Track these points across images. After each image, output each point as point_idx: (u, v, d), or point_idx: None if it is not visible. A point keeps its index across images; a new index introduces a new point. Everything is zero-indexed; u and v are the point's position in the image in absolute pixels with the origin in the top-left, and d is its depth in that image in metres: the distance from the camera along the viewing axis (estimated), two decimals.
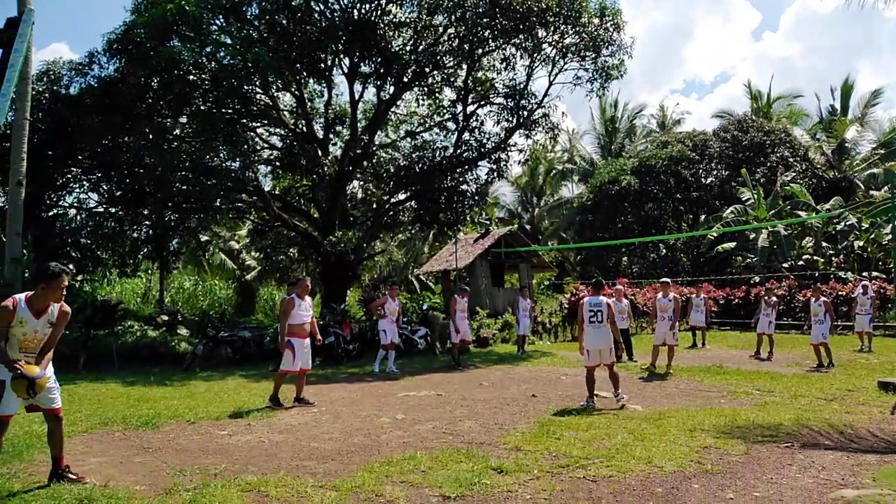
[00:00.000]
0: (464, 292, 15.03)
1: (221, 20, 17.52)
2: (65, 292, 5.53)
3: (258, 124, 20.37)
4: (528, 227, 43.91)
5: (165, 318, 18.41)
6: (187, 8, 15.34)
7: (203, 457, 6.52)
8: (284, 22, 17.70)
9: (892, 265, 17.72)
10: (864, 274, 23.38)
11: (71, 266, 5.03)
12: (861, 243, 25.00)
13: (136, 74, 15.70)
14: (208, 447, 6.96)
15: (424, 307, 19.98)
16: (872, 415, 8.33)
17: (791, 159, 33.94)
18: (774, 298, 16.43)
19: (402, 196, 21.36)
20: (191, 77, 17.03)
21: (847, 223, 25.97)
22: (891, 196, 14.48)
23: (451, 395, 10.36)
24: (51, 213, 18.78)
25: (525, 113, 19.80)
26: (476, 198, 21.10)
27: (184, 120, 18.55)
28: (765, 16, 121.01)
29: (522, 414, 8.64)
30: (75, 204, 19.60)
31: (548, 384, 11.51)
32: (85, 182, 19.07)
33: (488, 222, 33.96)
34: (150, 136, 16.71)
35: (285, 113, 20.69)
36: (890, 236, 20.32)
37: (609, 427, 7.62)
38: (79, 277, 18.12)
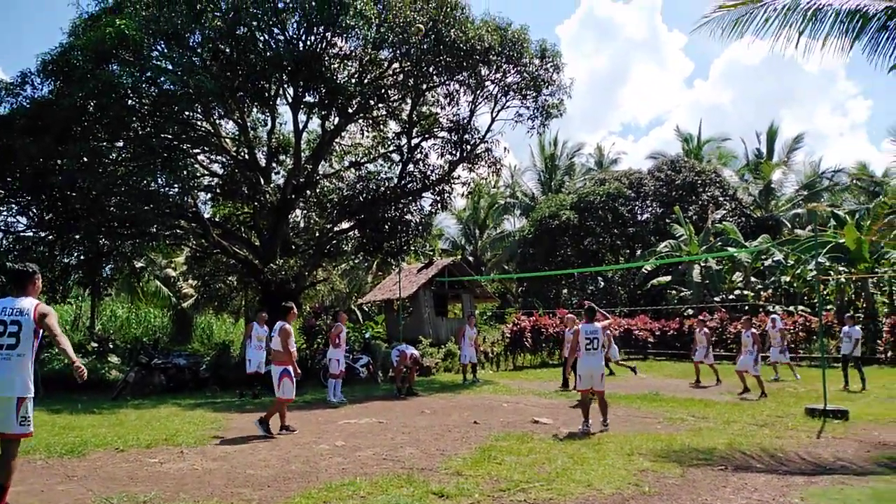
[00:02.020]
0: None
1: (163, 46, 17.26)
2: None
3: (199, 150, 20.01)
4: (471, 258, 44.29)
5: (96, 345, 17.66)
6: (127, 32, 15.06)
7: (132, 484, 6.27)
8: (228, 50, 17.55)
9: (815, 299, 18.56)
10: (790, 308, 24.40)
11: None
12: (787, 278, 26.15)
13: (72, 96, 15.28)
14: (138, 475, 6.69)
15: (367, 336, 19.80)
16: (800, 439, 8.67)
17: (721, 198, 35.45)
18: (706, 329, 17.04)
19: (345, 225, 21.27)
20: (129, 101, 16.68)
21: (774, 259, 27.17)
22: (813, 235, 15.24)
23: (392, 423, 10.27)
24: None
25: (468, 147, 20.12)
26: (420, 228, 21.19)
27: (121, 144, 18.07)
28: (696, 64, 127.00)
29: (464, 440, 8.63)
30: (2, 227, 18.76)
31: (490, 411, 11.54)
32: (13, 205, 18.30)
33: (432, 253, 34.14)
34: (85, 160, 16.21)
35: (227, 140, 20.42)
36: (814, 272, 21.33)
37: (549, 452, 7.69)
38: None
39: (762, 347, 14.91)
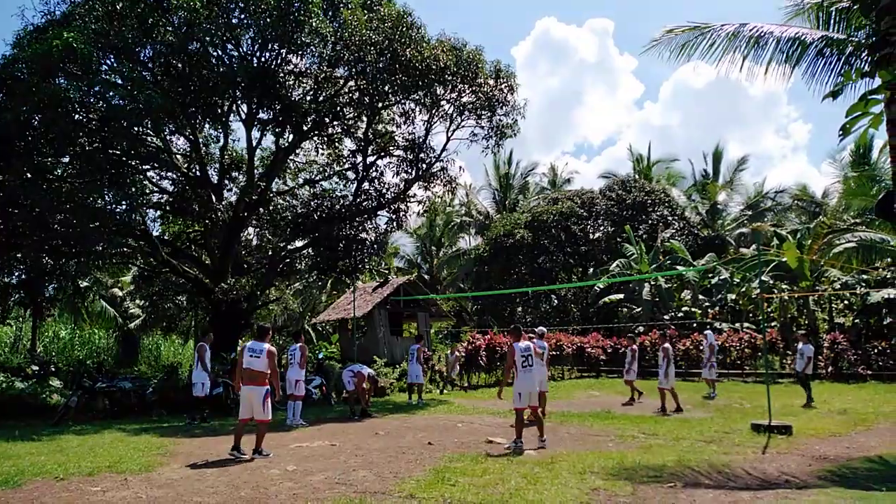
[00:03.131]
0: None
1: (112, 60, 16.91)
2: None
3: (148, 167, 19.60)
4: (426, 276, 44.21)
5: (36, 368, 16.96)
6: (75, 46, 14.69)
7: None
8: (180, 65, 17.30)
9: (760, 316, 19.12)
10: (735, 325, 25.08)
11: None
12: (733, 296, 26.88)
13: (16, 110, 14.81)
14: None
15: (320, 356, 19.53)
16: (746, 455, 8.89)
17: (670, 218, 36.31)
18: (634, 347, 17.27)
19: (299, 243, 21.06)
20: (76, 116, 16.25)
21: (720, 277, 27.90)
22: (757, 253, 15.72)
23: (345, 445, 10.13)
24: None
25: (424, 166, 20.19)
26: (375, 247, 21.12)
27: (66, 159, 17.56)
28: (646, 87, 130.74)
29: (418, 462, 8.57)
30: None
31: (444, 432, 11.49)
32: None
33: (387, 272, 34.03)
34: (28, 175, 15.71)
35: (178, 156, 20.06)
36: (758, 290, 21.99)
37: (503, 472, 7.69)
38: None
39: (672, 363, 15.19)
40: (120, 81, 16.65)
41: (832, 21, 10.09)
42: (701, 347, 18.59)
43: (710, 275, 28.56)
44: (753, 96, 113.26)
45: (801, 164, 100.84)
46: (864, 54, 9.50)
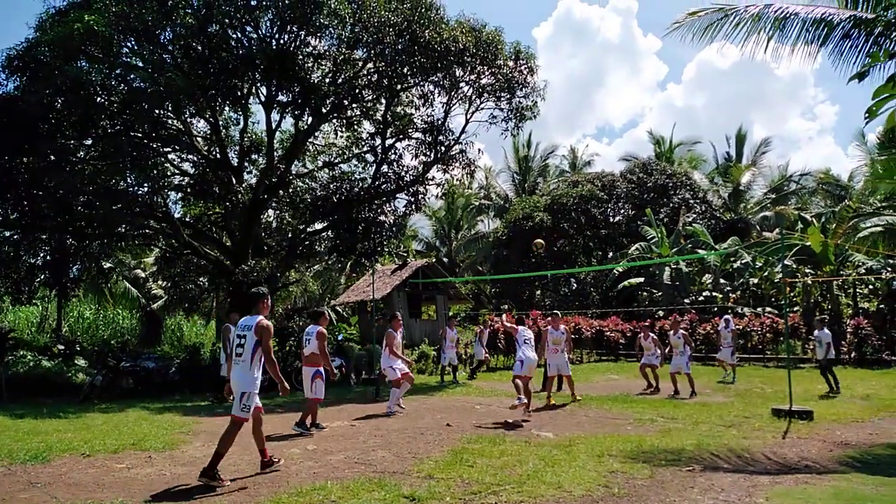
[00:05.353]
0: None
1: (133, 43, 16.99)
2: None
3: (169, 149, 19.72)
4: (445, 259, 44.29)
5: (62, 347, 17.29)
6: (96, 28, 14.78)
7: (98, 491, 6.15)
8: (200, 48, 17.33)
9: (782, 300, 18.92)
10: (757, 310, 24.84)
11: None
12: (755, 280, 26.59)
13: (39, 93, 14.96)
14: (104, 481, 6.57)
15: (340, 338, 19.68)
16: (766, 439, 8.82)
17: (691, 201, 35.91)
18: (653, 335, 16.97)
19: (318, 226, 21.14)
20: (98, 99, 16.38)
21: (742, 261, 27.61)
22: (780, 237, 15.50)
23: (364, 426, 10.23)
24: None
25: (443, 148, 20.11)
26: (394, 229, 21.14)
27: (89, 142, 17.75)
28: (670, 68, 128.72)
29: (436, 443, 8.63)
30: None
31: (463, 413, 11.55)
32: None
33: (406, 254, 34.08)
34: (52, 158, 15.89)
35: (198, 139, 20.16)
36: (780, 274, 21.72)
37: (521, 454, 7.72)
38: None
39: (693, 347, 15.17)
40: (141, 64, 16.73)
41: (861, 0, 9.81)
42: (720, 331, 18.45)
43: (731, 259, 28.26)
44: (780, 77, 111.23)
45: (828, 146, 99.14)
46: (893, 34, 9.25)
